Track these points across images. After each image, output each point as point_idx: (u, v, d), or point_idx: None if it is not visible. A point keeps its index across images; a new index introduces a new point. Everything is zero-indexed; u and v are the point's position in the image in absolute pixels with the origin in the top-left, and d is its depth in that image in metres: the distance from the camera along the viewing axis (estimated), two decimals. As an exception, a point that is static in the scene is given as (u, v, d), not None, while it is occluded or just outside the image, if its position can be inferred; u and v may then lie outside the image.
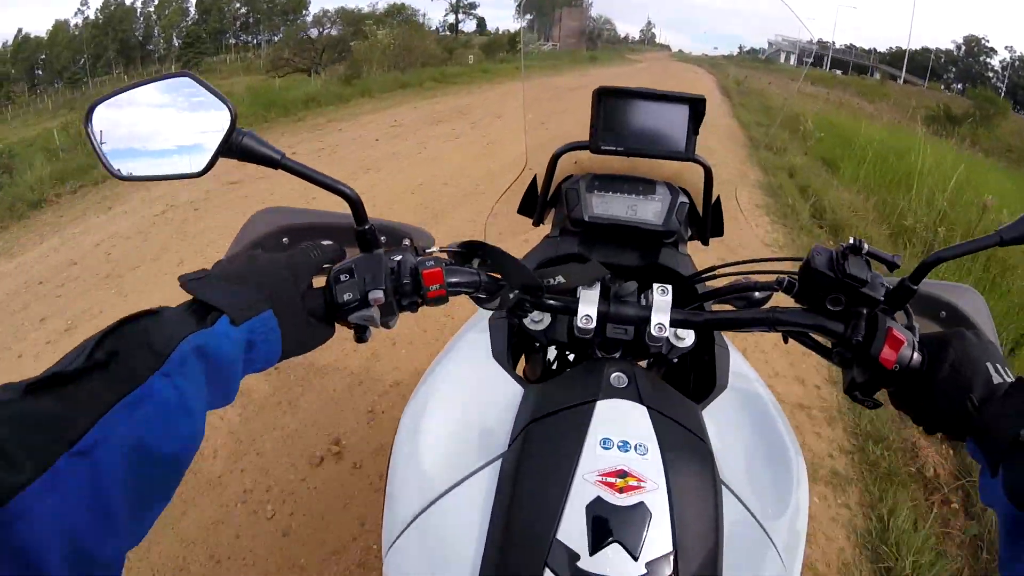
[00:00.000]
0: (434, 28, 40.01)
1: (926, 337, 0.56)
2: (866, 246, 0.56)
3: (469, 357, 0.70)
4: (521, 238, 0.91)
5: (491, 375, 0.66)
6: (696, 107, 0.75)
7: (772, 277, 0.63)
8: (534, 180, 0.87)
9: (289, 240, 0.75)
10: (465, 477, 0.56)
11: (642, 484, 0.48)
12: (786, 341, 0.63)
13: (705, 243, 0.86)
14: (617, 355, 0.66)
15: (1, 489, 0.31)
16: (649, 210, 0.78)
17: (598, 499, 0.47)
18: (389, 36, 14.82)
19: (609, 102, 0.76)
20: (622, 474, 0.49)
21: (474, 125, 6.91)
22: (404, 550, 0.55)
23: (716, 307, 0.72)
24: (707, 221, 0.83)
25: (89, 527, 0.34)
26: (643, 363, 0.78)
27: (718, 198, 0.83)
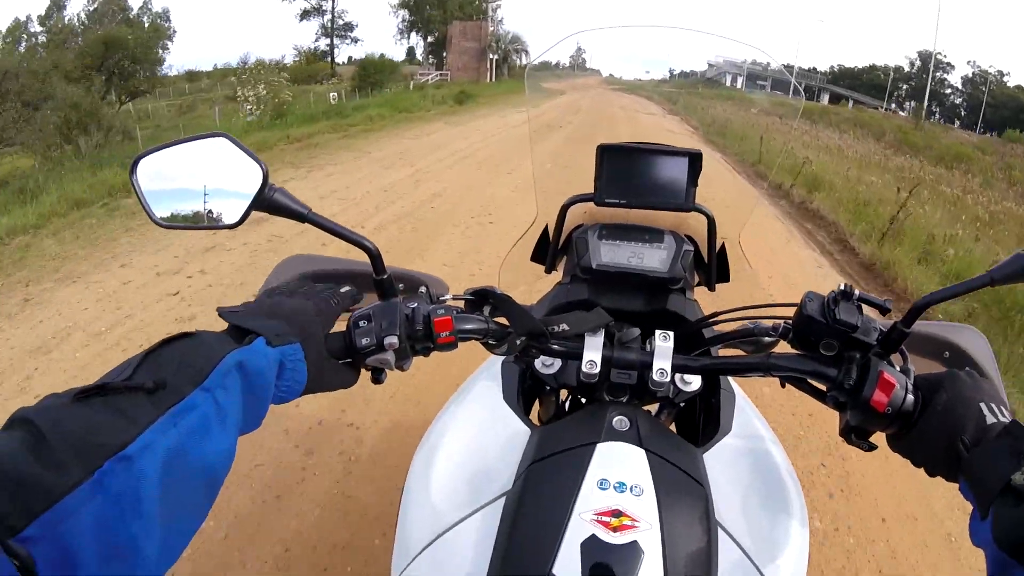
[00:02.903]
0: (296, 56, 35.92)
1: (921, 379, 0.56)
2: (856, 291, 0.58)
3: (481, 400, 0.73)
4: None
5: (501, 417, 0.69)
6: (694, 160, 0.80)
7: (775, 322, 0.65)
8: (545, 229, 0.91)
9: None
10: (472, 512, 0.59)
11: (636, 524, 0.50)
12: (783, 386, 0.65)
13: (711, 289, 0.89)
14: (624, 399, 0.69)
15: (50, 491, 0.33)
16: (655, 258, 0.80)
17: (593, 537, 0.49)
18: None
19: (611, 157, 0.81)
20: (617, 513, 0.51)
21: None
22: None
23: (724, 352, 0.74)
24: (712, 268, 0.87)
25: (130, 531, 0.36)
26: (654, 406, 0.80)
27: (723, 245, 0.87)
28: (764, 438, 0.72)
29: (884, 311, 0.58)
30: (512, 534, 0.53)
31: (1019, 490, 0.43)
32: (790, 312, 0.62)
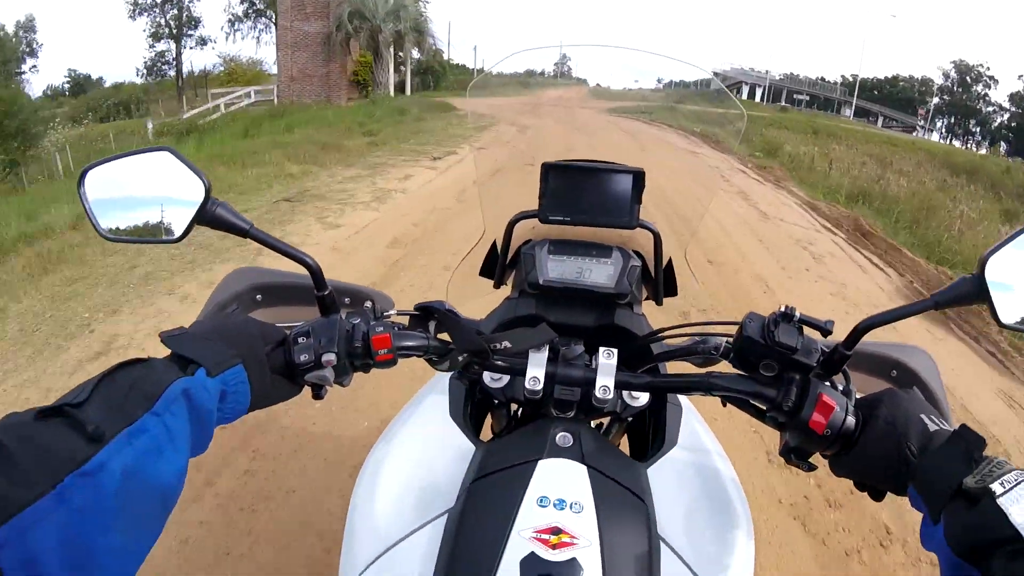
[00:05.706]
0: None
1: (861, 400, 0.56)
2: (798, 313, 0.57)
3: (428, 416, 0.74)
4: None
5: (447, 433, 0.70)
6: (637, 178, 0.80)
7: (718, 340, 0.66)
8: (494, 243, 0.91)
9: (262, 297, 0.80)
10: (416, 529, 0.59)
11: (575, 540, 0.51)
12: (724, 404, 0.65)
13: (659, 303, 0.90)
14: (571, 414, 0.69)
15: (15, 502, 0.35)
16: (602, 273, 0.81)
17: (532, 555, 0.49)
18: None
19: (555, 175, 0.81)
20: (556, 531, 0.51)
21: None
22: None
23: (674, 366, 0.75)
24: (659, 283, 0.88)
25: (92, 542, 0.38)
26: (604, 419, 0.81)
27: (670, 260, 0.88)
28: (710, 451, 0.72)
29: (825, 333, 0.57)
30: (453, 552, 0.53)
31: (971, 493, 0.43)
32: (733, 330, 0.62)
